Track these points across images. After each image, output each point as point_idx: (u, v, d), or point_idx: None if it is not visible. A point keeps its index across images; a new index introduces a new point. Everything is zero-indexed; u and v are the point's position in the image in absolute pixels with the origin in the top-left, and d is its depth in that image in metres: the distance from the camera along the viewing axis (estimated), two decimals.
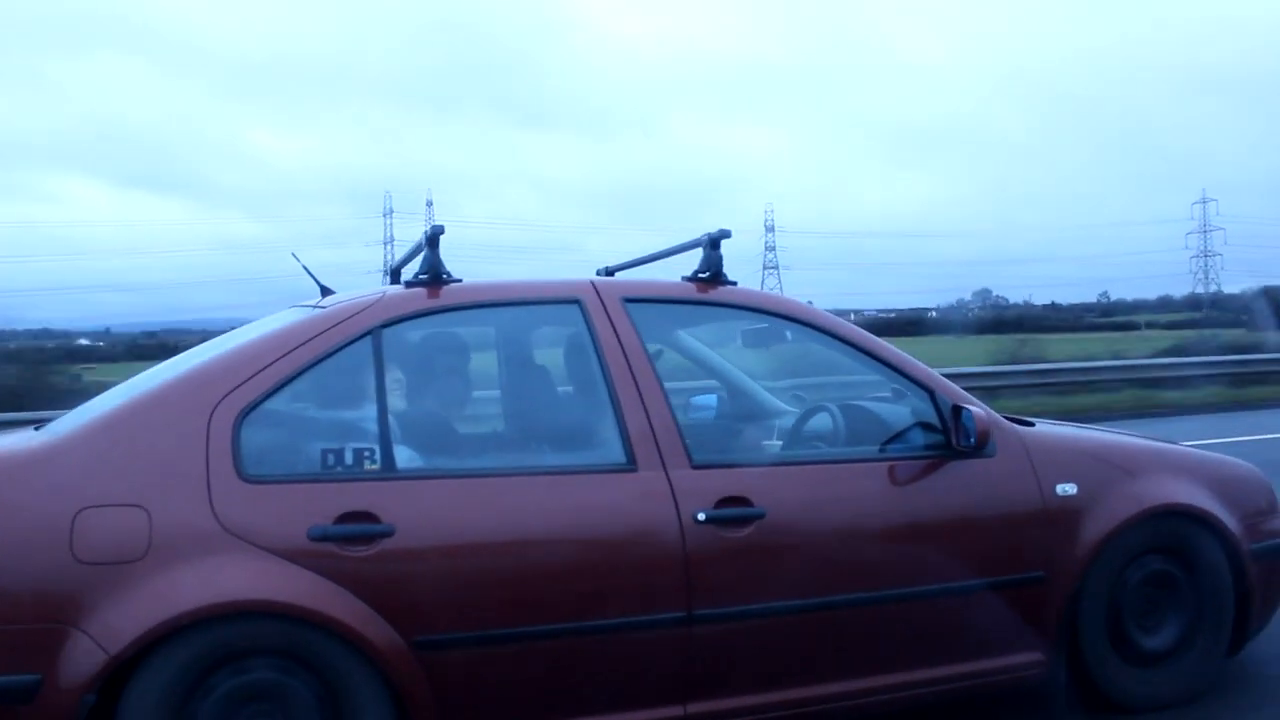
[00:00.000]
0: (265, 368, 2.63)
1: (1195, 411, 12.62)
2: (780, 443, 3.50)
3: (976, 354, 16.91)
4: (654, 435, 2.76)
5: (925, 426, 3.08)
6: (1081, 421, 4.98)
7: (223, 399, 2.57)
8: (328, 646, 2.43)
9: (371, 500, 2.52)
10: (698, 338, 3.72)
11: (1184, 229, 71.73)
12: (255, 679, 2.39)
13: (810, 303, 3.58)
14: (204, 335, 3.17)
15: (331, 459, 2.58)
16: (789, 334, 3.26)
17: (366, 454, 2.60)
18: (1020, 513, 3.05)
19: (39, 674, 2.28)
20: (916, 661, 2.94)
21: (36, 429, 2.94)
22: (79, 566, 2.34)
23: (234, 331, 3.13)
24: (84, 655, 2.28)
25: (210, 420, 2.53)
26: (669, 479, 2.72)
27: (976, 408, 3.02)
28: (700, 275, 3.16)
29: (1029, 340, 18.58)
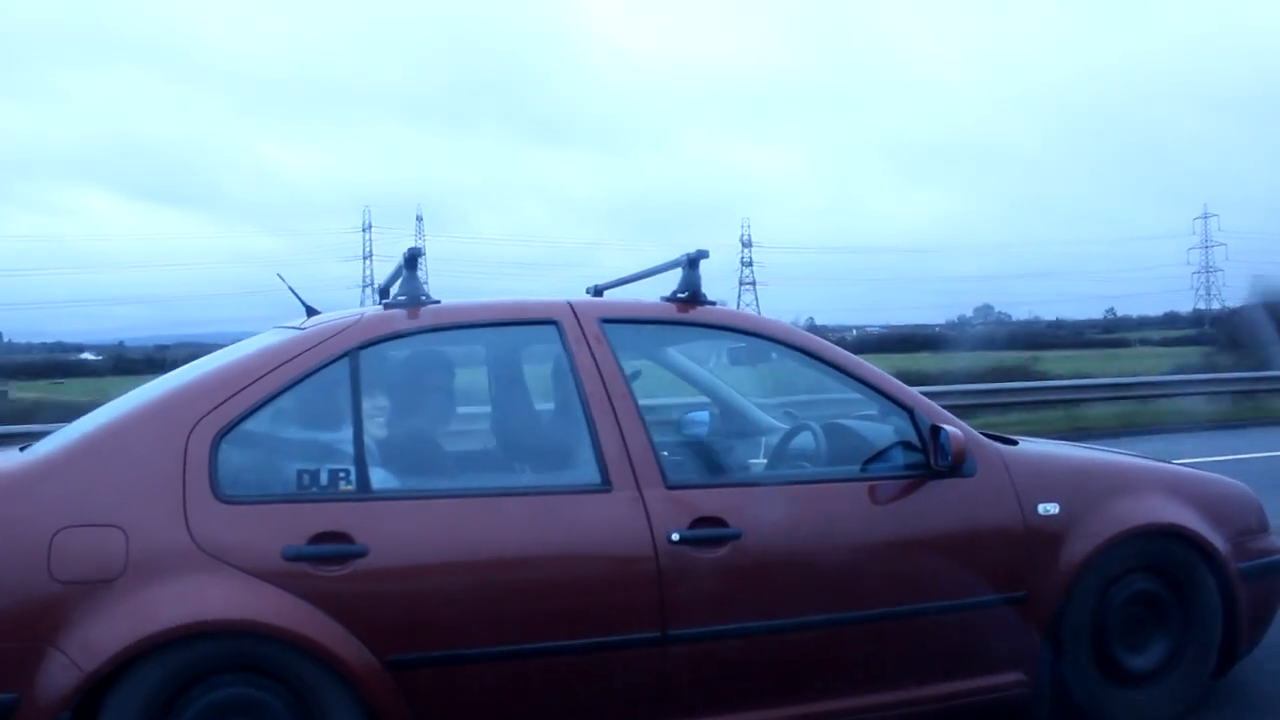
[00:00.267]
0: (243, 389, 2.75)
1: (1186, 429, 12.76)
2: (766, 461, 3.60)
3: (961, 371, 17.18)
4: (629, 455, 2.86)
5: (906, 446, 3.16)
6: (1075, 440, 5.07)
7: (200, 420, 2.68)
8: (302, 665, 2.53)
9: (346, 521, 2.63)
10: (688, 356, 3.83)
11: (1187, 244, 72.27)
12: (230, 697, 2.50)
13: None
14: (217, 348, 3.31)
15: (307, 479, 2.70)
16: (774, 353, 3.37)
17: (342, 475, 2.72)
18: (1000, 532, 3.13)
19: (16, 692, 2.40)
20: (895, 682, 3.03)
21: (22, 449, 3.06)
22: (57, 586, 2.45)
23: (216, 352, 3.25)
24: (61, 673, 2.39)
25: (188, 441, 2.65)
26: (643, 499, 2.82)
27: (954, 427, 3.10)
28: (679, 295, 3.27)
29: (1007, 358, 18.81)
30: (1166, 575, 3.35)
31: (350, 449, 2.76)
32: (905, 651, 3.05)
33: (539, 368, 3.33)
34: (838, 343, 4.29)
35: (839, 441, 3.34)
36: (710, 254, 3.29)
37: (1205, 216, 72.17)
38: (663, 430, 3.87)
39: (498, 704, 2.71)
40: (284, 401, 2.82)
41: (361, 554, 2.61)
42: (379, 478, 2.79)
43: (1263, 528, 3.57)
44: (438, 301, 3.09)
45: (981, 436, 3.29)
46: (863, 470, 3.16)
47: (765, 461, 3.61)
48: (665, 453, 3.02)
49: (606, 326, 3.06)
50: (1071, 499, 3.23)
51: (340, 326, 2.93)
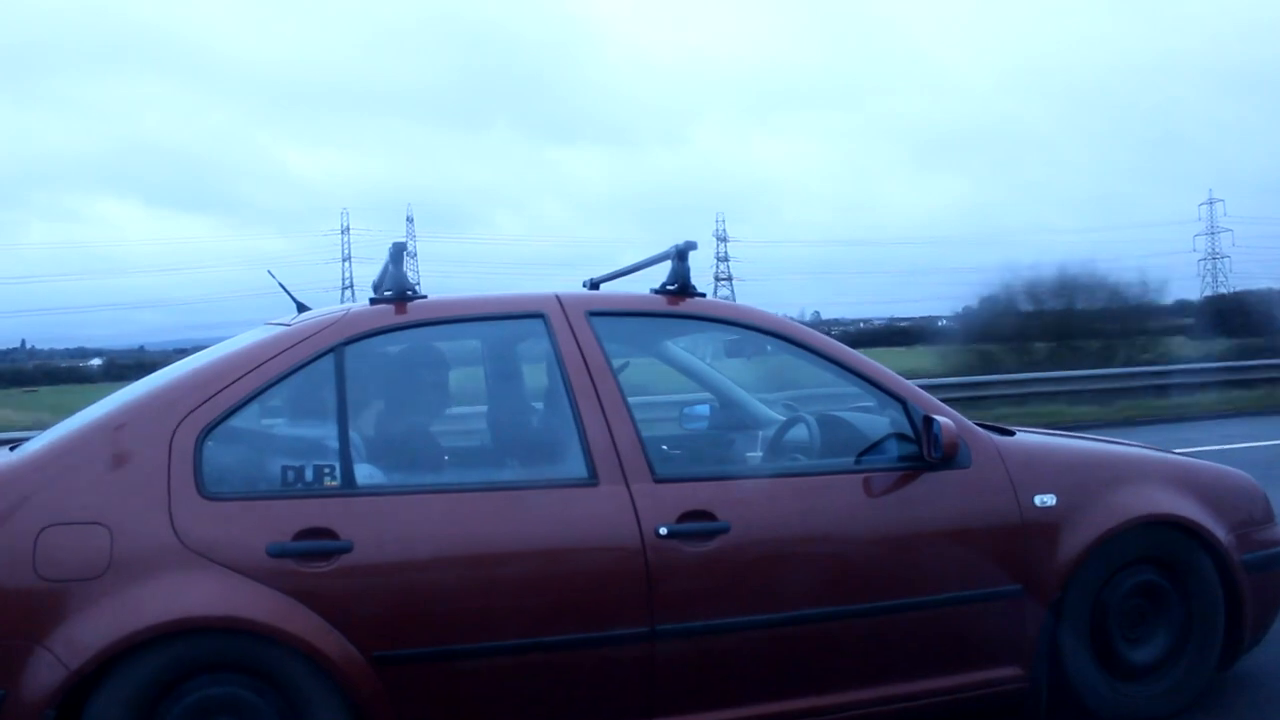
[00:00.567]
0: (228, 386, 2.84)
1: (1189, 418, 12.86)
2: (762, 454, 3.67)
3: (958, 364, 17.35)
4: (616, 449, 2.94)
5: (901, 438, 3.23)
6: (1075, 431, 5.12)
7: (185, 417, 2.78)
8: (287, 662, 2.62)
9: (330, 517, 2.72)
10: (687, 349, 3.91)
11: (1193, 230, 72.23)
12: (215, 694, 2.59)
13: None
14: None
15: (292, 476, 2.79)
16: (767, 345, 3.44)
17: (326, 470, 2.80)
18: (995, 525, 3.20)
19: (2, 690, 2.49)
20: (888, 677, 3.10)
21: (11, 449, 3.16)
22: (42, 583, 2.55)
23: (202, 350, 3.34)
24: (46, 670, 2.49)
25: (172, 438, 2.74)
26: (630, 493, 2.90)
27: (946, 418, 3.17)
28: (668, 287, 3.35)
29: (999, 351, 18.99)
30: (1168, 567, 3.40)
31: (335, 444, 2.85)
32: (899, 646, 3.11)
33: (526, 362, 3.41)
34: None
35: (833, 433, 3.41)
36: (698, 245, 3.36)
37: (1210, 202, 71.90)
38: (661, 424, 3.97)
39: (484, 700, 2.79)
40: (269, 398, 2.91)
41: (346, 550, 2.69)
42: (364, 473, 2.88)
43: (1267, 518, 3.62)
44: (424, 296, 3.17)
45: (976, 427, 3.36)
46: (856, 463, 3.23)
47: (761, 454, 3.69)
48: (659, 446, 3.09)
49: (594, 319, 3.14)
50: (1069, 490, 3.29)
51: (325, 322, 3.02)
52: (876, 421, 3.35)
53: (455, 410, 3.47)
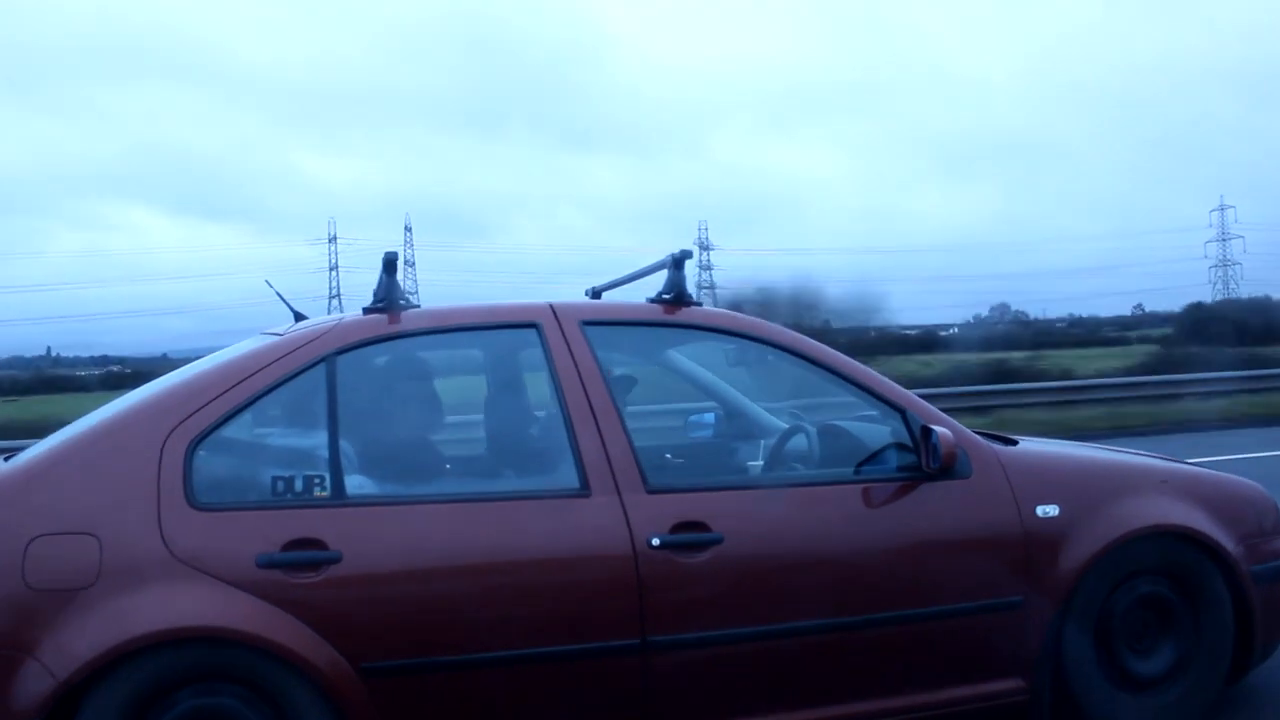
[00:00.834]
0: (218, 396, 2.92)
1: (1197, 428, 12.89)
2: (762, 463, 3.73)
3: (956, 372, 17.59)
4: (608, 459, 3.00)
5: (900, 447, 3.29)
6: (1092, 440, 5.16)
7: (175, 427, 2.86)
8: (275, 672, 2.70)
9: (319, 527, 2.80)
10: (691, 359, 3.96)
11: (1203, 237, 72.47)
12: (203, 704, 2.67)
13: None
14: None
15: (281, 486, 2.86)
16: (765, 354, 3.50)
17: (316, 481, 2.88)
18: (996, 535, 3.25)
19: None
20: (886, 690, 3.15)
21: (6, 459, 3.24)
22: (31, 593, 2.63)
23: (195, 361, 3.43)
24: (34, 680, 2.57)
25: (162, 448, 2.82)
26: (623, 504, 2.96)
27: (945, 428, 3.22)
28: (664, 296, 3.42)
29: (1013, 357, 19.28)
30: (1175, 579, 3.43)
31: (325, 455, 2.92)
32: (896, 659, 3.17)
33: (519, 372, 3.48)
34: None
35: (833, 443, 3.46)
36: (693, 254, 3.43)
37: (1222, 208, 72.12)
38: (663, 434, 4.03)
39: (473, 712, 2.86)
40: (260, 408, 2.99)
41: (335, 560, 2.77)
42: (354, 484, 2.95)
43: (1277, 529, 3.64)
44: (417, 305, 3.25)
45: (978, 437, 3.41)
46: (855, 473, 3.29)
47: (762, 464, 3.74)
48: (654, 456, 3.14)
49: (588, 329, 3.20)
50: (1072, 500, 3.33)
51: (317, 332, 3.10)
52: (878, 431, 3.40)
53: (447, 420, 3.54)
